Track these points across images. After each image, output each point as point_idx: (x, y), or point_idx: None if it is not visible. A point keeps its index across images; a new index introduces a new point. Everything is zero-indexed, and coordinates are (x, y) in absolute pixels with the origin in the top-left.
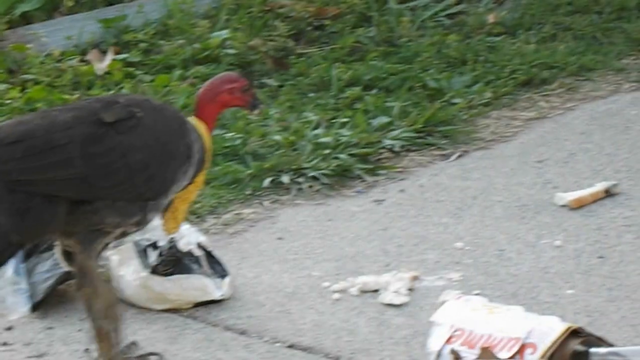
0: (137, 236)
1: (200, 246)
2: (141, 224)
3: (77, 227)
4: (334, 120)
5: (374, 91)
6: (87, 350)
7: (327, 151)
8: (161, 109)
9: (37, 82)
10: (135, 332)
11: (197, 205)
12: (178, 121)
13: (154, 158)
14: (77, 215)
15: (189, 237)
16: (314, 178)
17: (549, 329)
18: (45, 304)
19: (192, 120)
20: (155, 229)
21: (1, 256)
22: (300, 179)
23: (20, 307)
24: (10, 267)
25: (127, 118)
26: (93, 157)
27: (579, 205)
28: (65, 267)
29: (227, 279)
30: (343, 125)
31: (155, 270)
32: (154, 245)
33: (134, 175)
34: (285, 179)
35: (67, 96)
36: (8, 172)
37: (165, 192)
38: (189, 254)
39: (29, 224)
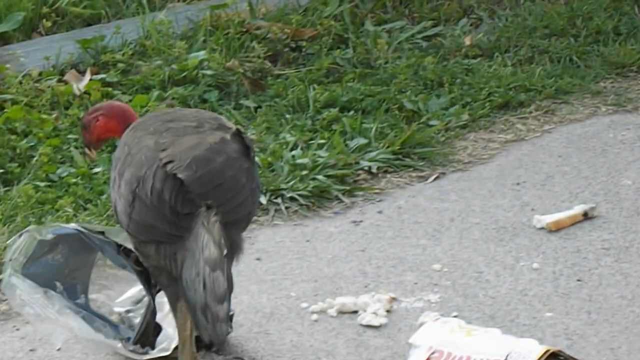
0: None
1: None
2: None
3: None
4: (311, 142)
5: (351, 113)
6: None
7: (304, 172)
8: None
9: (15, 102)
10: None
11: None
12: None
13: None
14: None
15: None
16: (292, 199)
17: (528, 352)
18: (26, 323)
19: None
20: None
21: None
22: (278, 200)
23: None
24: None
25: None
26: (253, 191)
27: (557, 228)
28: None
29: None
30: (320, 146)
31: None
32: None
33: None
34: (263, 199)
35: (45, 116)
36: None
37: None
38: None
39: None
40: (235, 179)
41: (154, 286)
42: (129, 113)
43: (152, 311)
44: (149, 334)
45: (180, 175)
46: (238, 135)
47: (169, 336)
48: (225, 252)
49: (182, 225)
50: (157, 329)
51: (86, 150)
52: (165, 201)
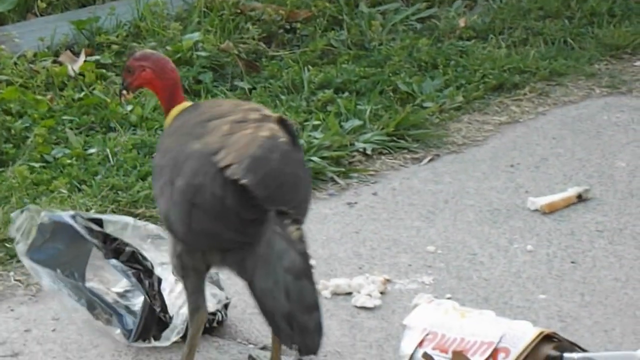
0: None
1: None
2: None
3: None
4: (306, 123)
5: (345, 94)
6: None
7: None
8: None
9: (9, 83)
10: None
11: None
12: None
13: None
14: None
15: None
16: None
17: (522, 334)
18: (20, 304)
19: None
20: None
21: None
22: None
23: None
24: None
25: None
26: (308, 181)
27: (551, 210)
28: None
29: None
30: (315, 127)
31: None
32: None
33: None
34: None
35: (40, 97)
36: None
37: None
38: None
39: None
40: (294, 174)
41: (150, 285)
42: (178, 83)
43: (149, 308)
44: (148, 330)
45: (243, 182)
46: (281, 123)
47: (176, 326)
48: (311, 260)
49: (250, 232)
50: (162, 324)
51: (123, 91)
52: (229, 208)
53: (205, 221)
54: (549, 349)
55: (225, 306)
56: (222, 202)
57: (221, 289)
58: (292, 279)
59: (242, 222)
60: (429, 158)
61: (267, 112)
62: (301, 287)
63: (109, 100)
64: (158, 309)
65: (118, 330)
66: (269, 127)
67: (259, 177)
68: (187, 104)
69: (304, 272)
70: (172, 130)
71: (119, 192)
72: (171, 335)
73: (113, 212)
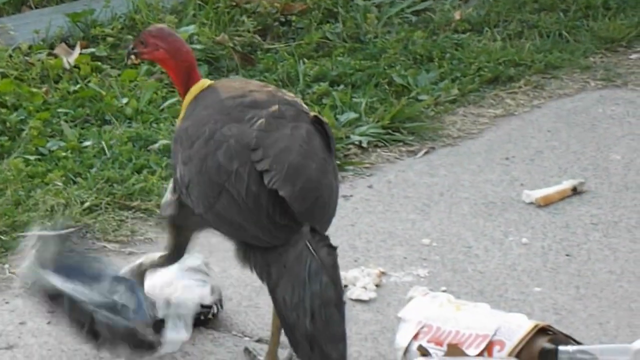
0: None
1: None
2: None
3: None
4: None
5: (340, 87)
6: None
7: None
8: None
9: (5, 75)
10: None
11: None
12: None
13: None
14: None
15: None
16: None
17: (517, 327)
18: (15, 296)
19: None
20: None
21: None
22: None
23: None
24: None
25: None
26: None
27: (546, 203)
28: None
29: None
30: None
31: None
32: None
33: None
34: None
35: (35, 89)
36: None
37: None
38: None
39: None
40: (329, 186)
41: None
42: (193, 64)
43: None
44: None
45: (281, 193)
46: (317, 122)
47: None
48: (345, 293)
49: (280, 236)
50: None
51: (132, 56)
52: (262, 206)
53: (232, 209)
54: (543, 342)
55: (220, 300)
56: (256, 199)
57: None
58: (320, 305)
59: (274, 225)
60: (424, 151)
61: (304, 107)
62: (329, 315)
63: (104, 92)
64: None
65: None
66: (306, 128)
67: (297, 190)
68: (206, 81)
69: (334, 302)
70: (207, 103)
71: (114, 185)
72: (176, 334)
73: (108, 204)
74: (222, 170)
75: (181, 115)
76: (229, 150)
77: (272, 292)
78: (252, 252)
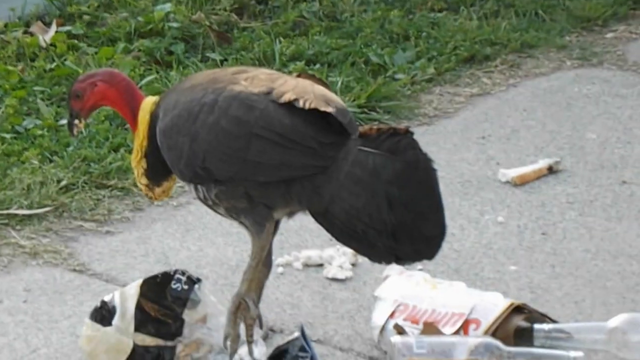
0: None
1: None
2: None
3: None
4: None
5: (317, 66)
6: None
7: None
8: None
9: None
10: (82, 303)
11: None
12: None
13: None
14: None
15: None
16: None
17: (493, 305)
18: None
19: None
20: None
21: None
22: None
23: None
24: None
25: None
26: None
27: (522, 182)
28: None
29: None
30: None
31: None
32: None
33: None
34: None
35: (11, 67)
36: None
37: None
38: None
39: None
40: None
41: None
42: (132, 84)
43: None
44: None
45: (324, 109)
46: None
47: None
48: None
49: (327, 154)
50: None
51: (75, 121)
52: (304, 133)
53: (269, 151)
54: (519, 320)
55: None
56: (294, 128)
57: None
58: (400, 188)
59: (321, 146)
60: None
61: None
62: (412, 196)
63: (81, 71)
64: None
65: None
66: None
67: (334, 108)
68: (153, 97)
69: (419, 178)
70: (182, 91)
71: (91, 164)
72: None
73: (85, 183)
74: (243, 122)
75: (141, 132)
76: (243, 103)
77: (323, 214)
78: (294, 188)
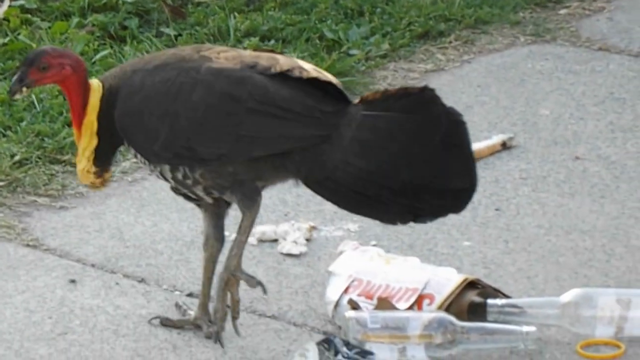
0: None
1: None
2: None
3: None
4: None
5: (271, 42)
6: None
7: None
8: None
9: None
10: (35, 278)
11: None
12: None
13: None
14: None
15: None
16: None
17: (446, 280)
18: None
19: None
20: None
21: None
22: None
23: None
24: None
25: None
26: None
27: (476, 158)
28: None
29: None
30: None
31: None
32: None
33: None
34: None
35: None
36: None
37: None
38: None
39: None
40: None
41: None
42: (86, 76)
43: None
44: None
45: (324, 78)
46: None
47: None
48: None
49: (329, 122)
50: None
51: (23, 88)
52: (303, 103)
53: (267, 124)
54: (473, 295)
55: None
56: (294, 100)
57: None
58: (420, 146)
59: (324, 115)
60: None
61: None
62: (431, 152)
63: (34, 45)
64: None
65: None
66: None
67: (331, 78)
68: (95, 82)
69: (443, 132)
70: (143, 74)
71: (45, 139)
72: None
73: (38, 158)
74: (235, 97)
75: (93, 119)
76: (230, 79)
77: (321, 182)
78: (292, 158)
